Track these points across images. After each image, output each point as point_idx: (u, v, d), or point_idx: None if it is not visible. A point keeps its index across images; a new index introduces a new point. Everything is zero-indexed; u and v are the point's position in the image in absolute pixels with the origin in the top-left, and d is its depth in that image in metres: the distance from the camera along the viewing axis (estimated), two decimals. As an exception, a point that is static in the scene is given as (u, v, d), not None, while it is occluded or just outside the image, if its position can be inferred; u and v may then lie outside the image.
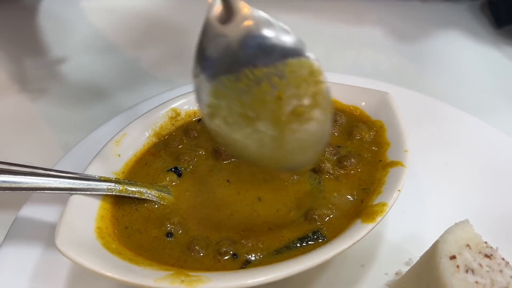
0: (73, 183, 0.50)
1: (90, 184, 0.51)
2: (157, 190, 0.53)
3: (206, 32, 0.44)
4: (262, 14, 0.44)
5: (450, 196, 0.61)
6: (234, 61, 0.43)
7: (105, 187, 0.51)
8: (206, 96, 0.45)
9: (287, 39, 0.43)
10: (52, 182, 0.49)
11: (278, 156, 0.45)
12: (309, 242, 0.49)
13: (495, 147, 0.65)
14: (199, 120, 0.64)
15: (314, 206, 0.51)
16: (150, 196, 0.53)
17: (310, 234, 0.49)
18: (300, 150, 0.45)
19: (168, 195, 0.54)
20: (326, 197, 0.53)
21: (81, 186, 0.50)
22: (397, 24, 1.03)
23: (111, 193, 0.52)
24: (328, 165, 0.55)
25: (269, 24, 0.43)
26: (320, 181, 0.55)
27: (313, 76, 0.44)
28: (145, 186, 0.53)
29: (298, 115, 0.44)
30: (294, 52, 0.43)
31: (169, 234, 0.50)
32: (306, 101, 0.44)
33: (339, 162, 0.56)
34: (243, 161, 0.53)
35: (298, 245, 0.48)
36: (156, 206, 0.53)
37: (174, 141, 0.60)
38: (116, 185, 0.52)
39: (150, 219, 0.52)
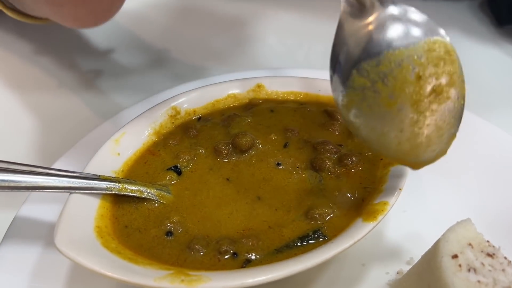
0: (72, 182, 0.50)
1: (89, 183, 0.50)
2: (156, 189, 0.53)
3: (342, 26, 0.47)
4: (393, 4, 0.47)
5: (451, 195, 0.60)
6: (375, 46, 0.45)
7: (104, 186, 0.51)
8: (344, 86, 0.46)
9: (422, 22, 0.47)
10: (51, 181, 0.49)
11: (416, 143, 0.46)
12: (310, 241, 0.48)
13: (497, 145, 0.65)
14: (199, 118, 0.64)
15: (315, 205, 0.51)
16: (149, 195, 0.53)
17: (311, 233, 0.49)
18: (437, 133, 0.47)
19: (167, 194, 0.54)
20: (326, 196, 0.52)
21: (80, 185, 0.50)
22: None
23: (110, 192, 0.51)
24: (329, 164, 0.55)
25: (403, 11, 0.47)
26: (321, 180, 0.54)
27: (449, 54, 0.46)
28: (144, 185, 0.53)
29: (437, 94, 0.46)
30: (430, 33, 0.46)
31: (169, 233, 0.50)
32: (444, 80, 0.46)
33: (340, 161, 0.56)
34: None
35: (298, 244, 0.48)
36: (156, 205, 0.53)
37: (174, 139, 0.60)
38: (116, 184, 0.52)
39: (150, 218, 0.51)
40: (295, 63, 0.92)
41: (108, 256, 0.45)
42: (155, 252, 0.48)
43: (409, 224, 0.57)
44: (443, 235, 0.46)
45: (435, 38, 0.46)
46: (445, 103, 0.46)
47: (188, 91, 0.65)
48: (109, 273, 0.43)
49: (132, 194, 0.52)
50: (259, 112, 0.63)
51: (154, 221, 0.51)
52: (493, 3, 1.03)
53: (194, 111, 0.65)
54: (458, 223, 0.47)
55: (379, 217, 0.47)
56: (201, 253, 0.48)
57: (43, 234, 0.56)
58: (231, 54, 0.95)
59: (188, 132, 0.61)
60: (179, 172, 0.56)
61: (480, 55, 0.94)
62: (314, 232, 0.49)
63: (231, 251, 0.47)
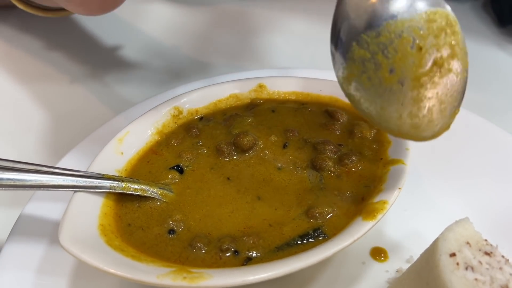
0: (76, 181, 0.50)
1: (93, 182, 0.51)
2: (159, 188, 0.54)
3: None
4: None
5: (450, 194, 0.61)
6: (375, 17, 0.45)
7: (108, 184, 0.52)
8: (344, 59, 0.46)
9: None
10: (55, 179, 0.50)
11: (418, 117, 0.45)
12: (310, 240, 0.49)
13: (497, 145, 0.65)
14: (201, 118, 0.65)
15: (315, 204, 0.52)
16: (152, 193, 0.53)
17: (311, 232, 0.49)
18: (439, 107, 0.45)
19: (170, 192, 0.54)
20: (327, 195, 0.53)
21: (84, 184, 0.51)
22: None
23: (114, 191, 0.52)
24: (329, 163, 0.55)
25: None
26: (321, 179, 0.55)
27: (450, 26, 0.45)
28: (147, 184, 0.54)
29: (438, 66, 0.45)
30: (431, 4, 0.45)
31: (171, 231, 0.50)
32: (445, 52, 0.45)
33: (340, 160, 0.56)
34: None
35: (299, 242, 0.49)
36: (159, 203, 0.53)
37: (176, 139, 0.61)
38: (119, 182, 0.52)
39: (153, 216, 0.52)
40: (301, 64, 0.92)
41: (111, 254, 0.46)
42: (158, 250, 0.49)
43: (409, 223, 0.58)
44: (442, 233, 0.46)
45: (437, 9, 0.45)
46: (447, 76, 0.45)
47: (190, 91, 0.66)
48: (112, 270, 0.43)
49: (135, 193, 0.53)
50: (260, 112, 0.64)
51: (156, 219, 0.52)
52: (495, 3, 1.03)
53: (196, 111, 0.65)
54: (456, 222, 0.47)
55: (379, 216, 0.48)
56: (203, 251, 0.48)
57: (48, 232, 0.56)
58: (237, 55, 0.96)
59: (190, 131, 0.62)
60: (181, 171, 0.57)
61: (482, 55, 0.94)
62: (314, 230, 0.50)
63: (232, 249, 0.48)
